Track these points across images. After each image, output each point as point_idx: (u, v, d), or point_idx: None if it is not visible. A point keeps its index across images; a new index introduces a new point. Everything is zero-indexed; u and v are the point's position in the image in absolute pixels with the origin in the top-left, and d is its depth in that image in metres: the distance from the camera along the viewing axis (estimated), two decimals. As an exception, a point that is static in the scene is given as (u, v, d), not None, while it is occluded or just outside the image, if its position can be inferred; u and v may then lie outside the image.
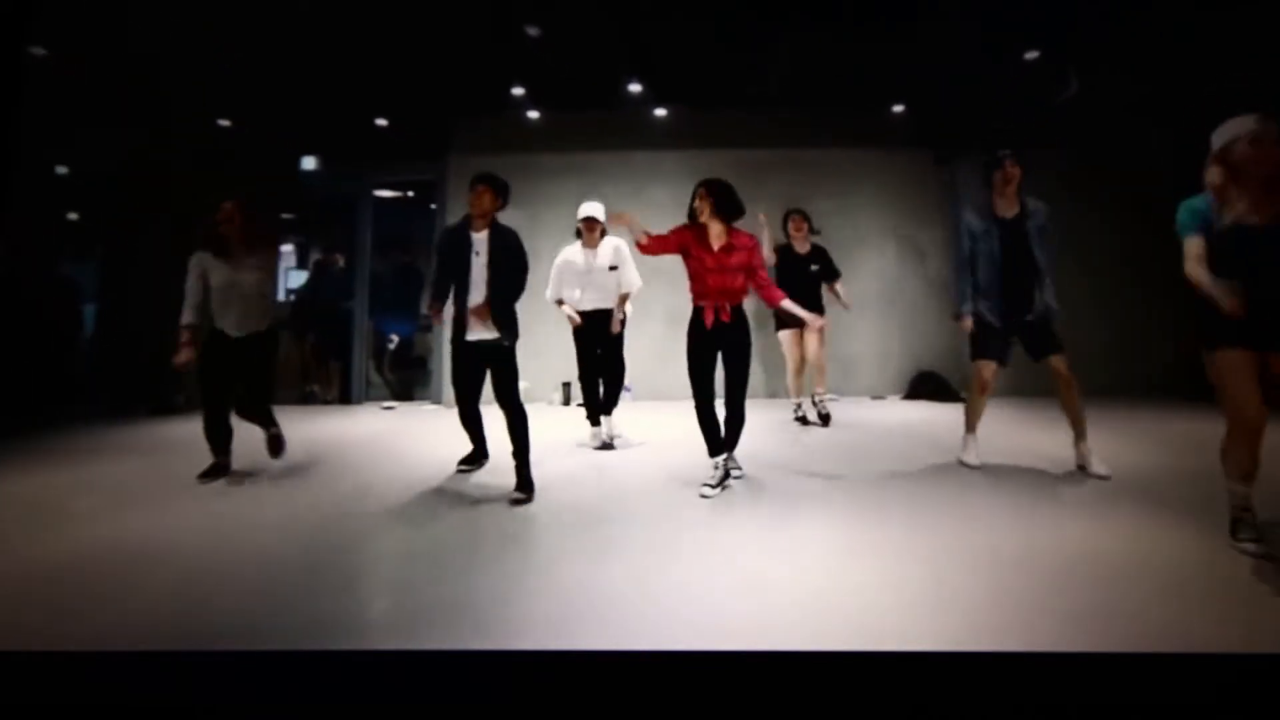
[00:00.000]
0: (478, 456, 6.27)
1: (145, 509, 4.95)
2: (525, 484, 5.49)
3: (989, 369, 5.96)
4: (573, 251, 7.15)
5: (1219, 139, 4.05)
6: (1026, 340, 5.91)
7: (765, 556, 3.94)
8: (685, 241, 5.49)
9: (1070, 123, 9.51)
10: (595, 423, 7.24)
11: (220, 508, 5.08)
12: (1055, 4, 7.36)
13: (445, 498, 5.31)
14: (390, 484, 5.64)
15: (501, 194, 5.71)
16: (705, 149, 10.24)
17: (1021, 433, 7.19)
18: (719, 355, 5.50)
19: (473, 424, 6.17)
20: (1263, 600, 3.28)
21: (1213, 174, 4.04)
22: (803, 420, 8.13)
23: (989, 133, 9.10)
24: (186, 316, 5.66)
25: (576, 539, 4.31)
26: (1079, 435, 5.85)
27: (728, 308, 5.45)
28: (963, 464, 6.09)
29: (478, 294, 5.59)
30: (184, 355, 5.58)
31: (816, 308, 7.82)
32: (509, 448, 5.49)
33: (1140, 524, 4.32)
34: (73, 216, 11.40)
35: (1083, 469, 5.74)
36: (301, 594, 3.54)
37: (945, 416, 8.34)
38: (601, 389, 7.25)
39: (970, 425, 6.23)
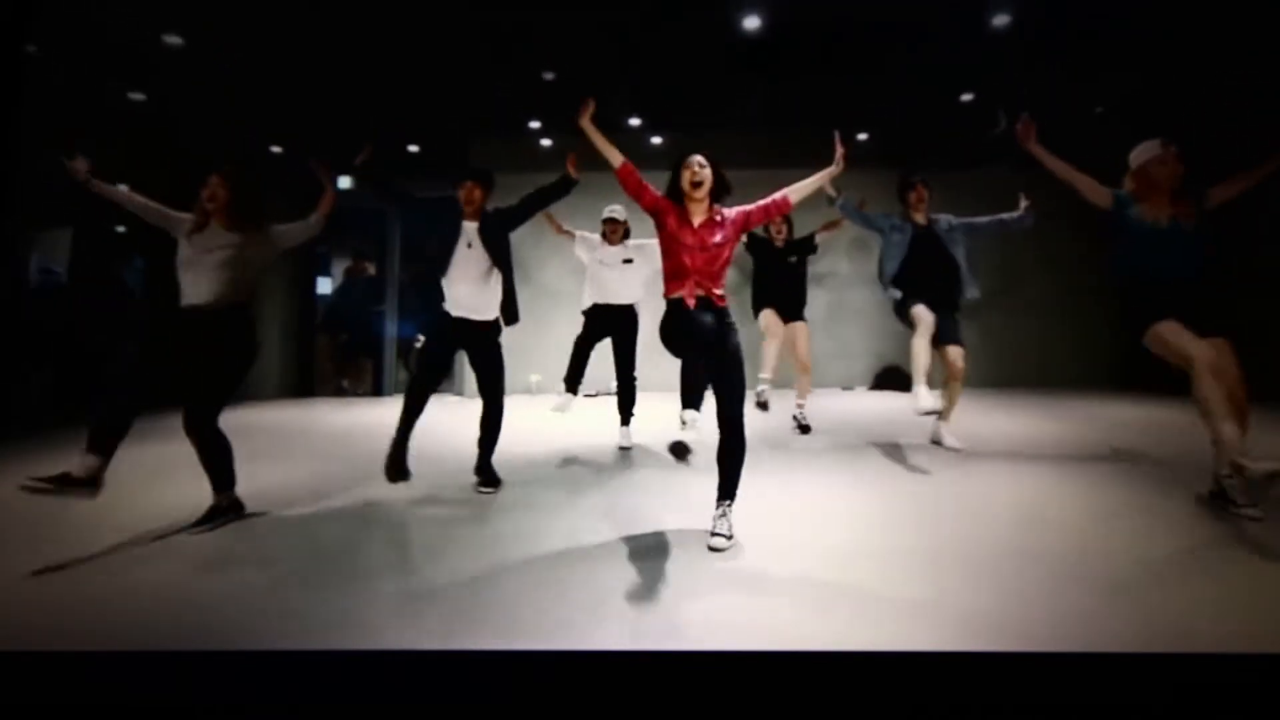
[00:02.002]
0: (400, 464, 4.93)
1: (160, 492, 4.49)
2: (489, 476, 5.06)
3: (925, 310, 5.77)
4: (596, 240, 6.71)
5: (1135, 159, 4.45)
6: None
7: (765, 556, 3.51)
8: (662, 208, 4.21)
9: (1009, 146, 9.33)
10: (573, 391, 6.59)
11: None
12: (988, 56, 7.77)
13: (450, 492, 4.85)
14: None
15: (489, 185, 5.25)
16: None
17: (1018, 429, 6.64)
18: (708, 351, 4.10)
19: (414, 416, 4.99)
20: (1263, 600, 2.91)
21: (1129, 183, 4.49)
22: (764, 406, 7.35)
23: (946, 154, 9.80)
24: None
25: (576, 538, 3.83)
26: (945, 416, 6.02)
27: (712, 291, 4.04)
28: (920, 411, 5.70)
29: (465, 281, 5.08)
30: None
31: (798, 302, 7.35)
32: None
33: (1140, 523, 3.87)
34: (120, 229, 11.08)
35: (937, 443, 6.01)
36: (302, 592, 3.14)
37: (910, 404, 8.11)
38: (616, 391, 6.64)
39: (918, 376, 5.78)
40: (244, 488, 4.43)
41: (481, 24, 7.28)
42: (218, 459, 4.30)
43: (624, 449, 6.39)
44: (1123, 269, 4.46)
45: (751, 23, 7.27)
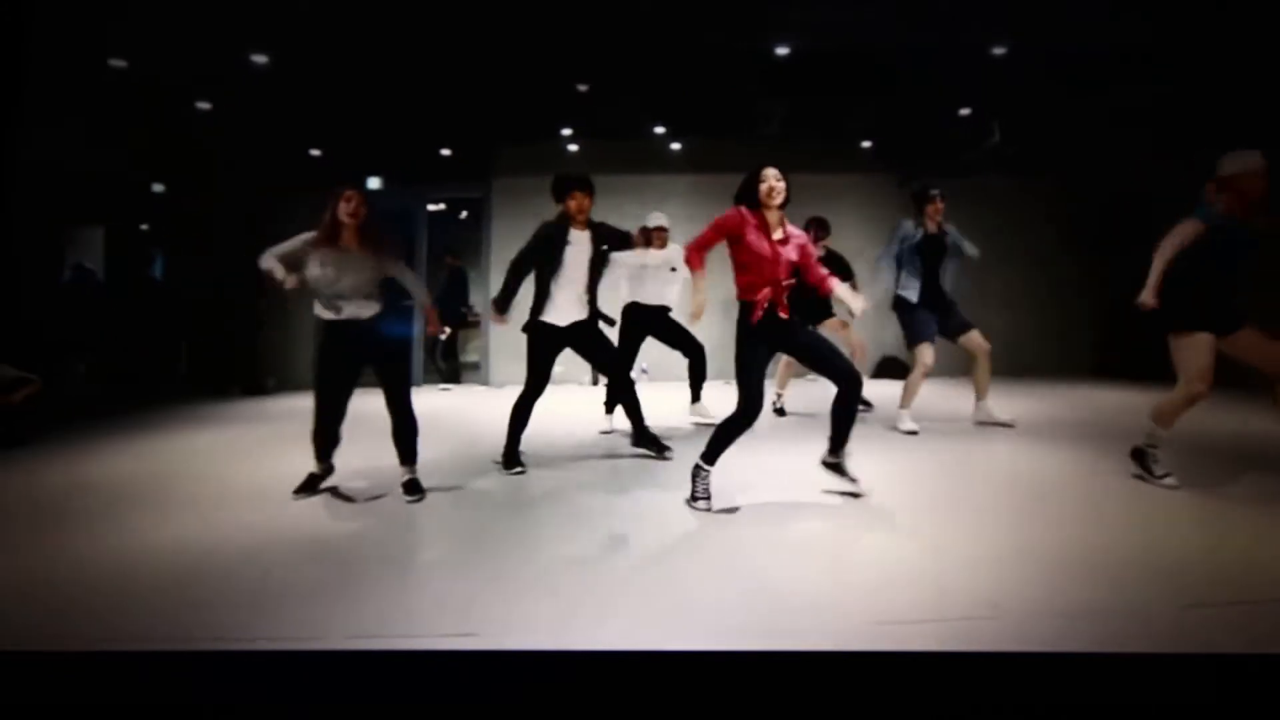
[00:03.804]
0: (516, 458, 5.05)
1: (161, 490, 4.33)
2: (652, 442, 5.31)
3: (930, 351, 6.13)
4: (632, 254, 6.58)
5: (1232, 166, 4.09)
6: (941, 324, 6.22)
7: (765, 556, 3.31)
8: (737, 227, 4.04)
9: (1004, 153, 9.60)
10: (610, 411, 6.41)
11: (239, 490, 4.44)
12: (984, 74, 7.89)
13: (452, 491, 4.59)
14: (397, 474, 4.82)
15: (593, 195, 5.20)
16: (710, 173, 10.24)
17: (1019, 425, 6.31)
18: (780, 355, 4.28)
19: (527, 419, 5.12)
20: (1263, 600, 2.71)
21: (1220, 193, 4.13)
22: (780, 411, 7.20)
23: (940, 162, 10.28)
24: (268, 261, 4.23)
25: (577, 538, 3.61)
26: (981, 396, 6.29)
27: (784, 301, 4.07)
28: (902, 430, 6.12)
29: (576, 285, 5.09)
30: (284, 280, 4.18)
31: (816, 305, 7.19)
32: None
33: (1140, 523, 3.63)
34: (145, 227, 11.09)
35: (983, 423, 6.26)
36: (302, 591, 2.98)
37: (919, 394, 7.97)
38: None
39: (907, 403, 6.24)
40: (256, 480, 4.34)
41: (514, 34, 7.20)
42: (407, 437, 4.45)
43: (699, 424, 6.42)
44: (1197, 274, 4.10)
45: (782, 50, 7.37)
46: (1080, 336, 10.80)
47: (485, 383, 10.57)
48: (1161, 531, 3.44)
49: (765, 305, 3.99)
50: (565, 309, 5.07)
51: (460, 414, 7.48)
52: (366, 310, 4.34)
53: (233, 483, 4.47)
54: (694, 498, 4.04)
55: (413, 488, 4.37)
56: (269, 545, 3.57)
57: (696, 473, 4.07)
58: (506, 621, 2.63)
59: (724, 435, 4.05)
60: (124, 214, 9.64)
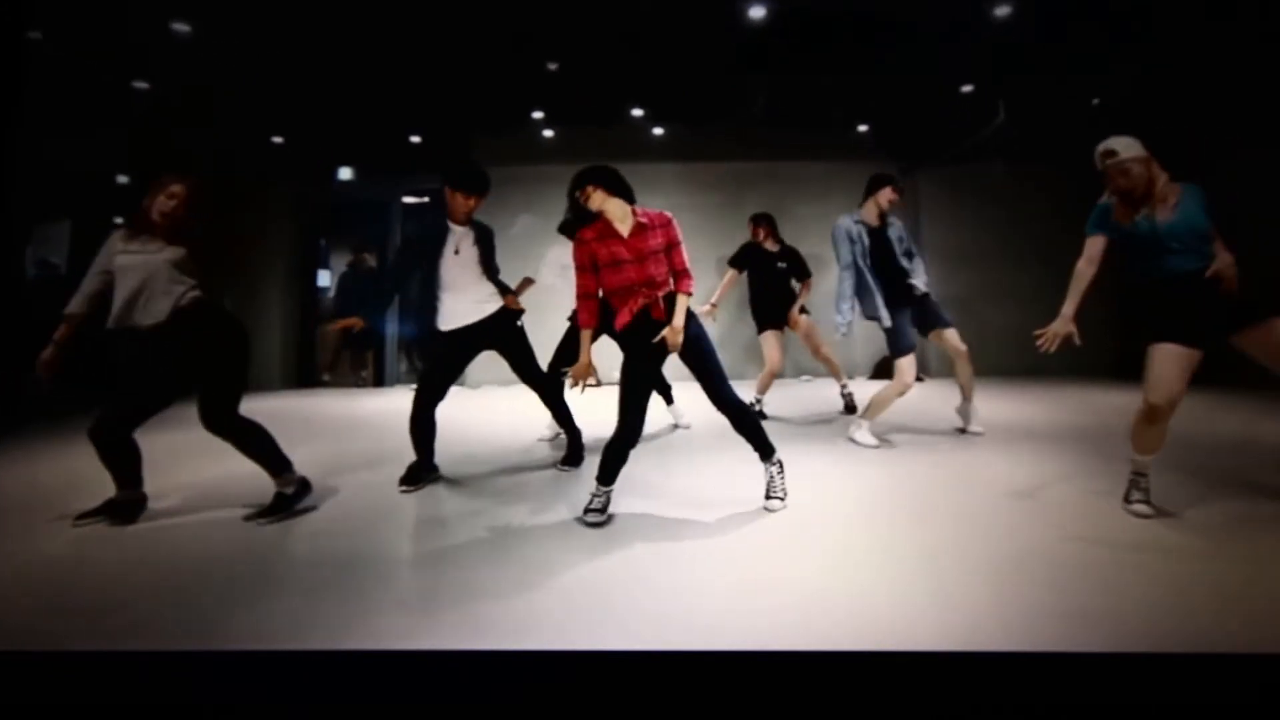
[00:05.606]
0: (425, 470, 4.84)
1: (158, 490, 4.35)
2: (576, 454, 5.19)
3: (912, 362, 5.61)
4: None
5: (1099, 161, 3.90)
6: (915, 320, 5.75)
7: (765, 556, 3.41)
8: (590, 253, 3.93)
9: (1007, 137, 9.40)
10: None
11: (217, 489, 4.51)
12: (989, 48, 7.75)
13: (449, 487, 4.76)
14: (394, 472, 4.89)
15: (485, 196, 4.80)
16: (697, 162, 10.18)
17: (1019, 420, 6.48)
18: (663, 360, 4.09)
19: (430, 429, 4.82)
20: (1263, 600, 2.83)
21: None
22: (761, 415, 7.04)
23: (944, 147, 10.09)
24: (72, 305, 4.08)
25: (577, 537, 3.71)
26: (966, 398, 5.95)
27: (659, 300, 3.90)
28: (862, 444, 5.67)
29: (461, 286, 4.74)
30: (49, 354, 4.03)
31: (786, 303, 7.27)
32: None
33: (1140, 524, 3.72)
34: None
35: (962, 430, 5.98)
36: (301, 591, 3.08)
37: (912, 393, 7.95)
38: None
39: (875, 415, 5.77)
40: (248, 486, 4.37)
41: (486, 14, 7.23)
42: (256, 448, 4.13)
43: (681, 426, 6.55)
44: (1127, 276, 3.97)
45: (756, 11, 7.22)
46: (1097, 334, 10.57)
47: (460, 383, 10.50)
48: (1158, 546, 3.48)
49: (630, 311, 3.92)
50: (460, 312, 4.81)
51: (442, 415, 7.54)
52: (148, 317, 3.91)
53: (212, 484, 4.54)
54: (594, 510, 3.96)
55: (277, 503, 4.13)
56: (262, 547, 3.68)
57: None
58: (507, 622, 2.72)
59: (615, 456, 3.99)
60: (93, 208, 9.63)
